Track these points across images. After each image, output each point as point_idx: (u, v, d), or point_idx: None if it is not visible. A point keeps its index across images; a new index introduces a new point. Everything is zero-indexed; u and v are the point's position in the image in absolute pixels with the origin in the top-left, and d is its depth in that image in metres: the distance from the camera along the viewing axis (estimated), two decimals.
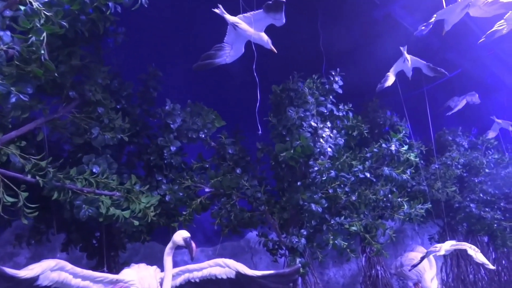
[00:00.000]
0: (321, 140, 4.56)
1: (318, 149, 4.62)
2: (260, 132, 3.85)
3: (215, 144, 5.11)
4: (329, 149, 4.82)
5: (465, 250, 5.44)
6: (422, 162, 8.14)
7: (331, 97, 5.23)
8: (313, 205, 4.76)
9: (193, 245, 3.92)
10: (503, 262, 10.22)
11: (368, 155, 5.37)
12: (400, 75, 7.10)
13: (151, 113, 5.11)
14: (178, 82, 6.12)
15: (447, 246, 5.50)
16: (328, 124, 4.80)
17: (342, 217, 5.16)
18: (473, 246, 5.42)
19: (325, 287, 8.59)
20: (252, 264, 7.04)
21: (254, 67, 3.73)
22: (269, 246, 5.49)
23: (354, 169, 5.23)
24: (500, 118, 9.18)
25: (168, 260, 4.04)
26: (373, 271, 7.15)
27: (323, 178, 4.66)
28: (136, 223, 3.93)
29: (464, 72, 9.32)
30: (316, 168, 4.63)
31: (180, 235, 3.92)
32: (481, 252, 9.63)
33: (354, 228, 5.24)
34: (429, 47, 7.95)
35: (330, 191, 5.31)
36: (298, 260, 5.00)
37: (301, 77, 5.34)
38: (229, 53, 3.86)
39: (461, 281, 8.27)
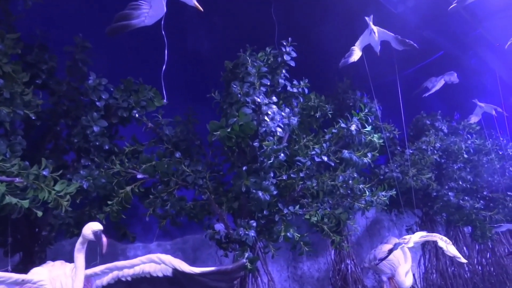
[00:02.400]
0: (266, 118, 3.97)
1: (264, 129, 4.03)
2: (165, 100, 3.25)
3: (152, 125, 4.50)
4: (279, 129, 4.23)
5: (436, 242, 4.91)
6: (398, 148, 7.61)
7: (283, 71, 4.63)
8: (260, 193, 4.19)
9: (104, 239, 3.35)
10: (487, 254, 9.76)
11: (326, 136, 4.80)
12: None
13: (81, 91, 4.50)
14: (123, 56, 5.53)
15: (416, 237, 4.97)
16: (274, 99, 4.20)
17: (297, 206, 4.59)
18: (444, 238, 4.89)
19: (299, 282, 8.07)
20: (216, 260, 6.51)
21: (162, 24, 3.12)
22: (220, 240, 4.92)
23: (311, 152, 4.65)
24: (483, 102, 8.66)
25: (79, 257, 3.46)
26: (343, 265, 6.63)
27: (270, 162, 4.07)
28: (40, 213, 3.34)
29: (447, 54, 8.81)
30: (261, 150, 4.05)
31: (90, 228, 3.34)
32: (464, 243, 9.20)
33: (314, 218, 4.69)
34: (407, 26, 7.40)
35: (284, 177, 4.76)
36: (246, 254, 4.43)
37: (255, 51, 4.75)
38: (147, 12, 3.25)
39: (440, 275, 7.77)
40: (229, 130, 3.81)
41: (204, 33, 5.98)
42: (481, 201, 8.24)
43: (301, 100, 4.84)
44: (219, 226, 4.84)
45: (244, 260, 4.09)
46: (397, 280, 6.82)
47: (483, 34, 8.76)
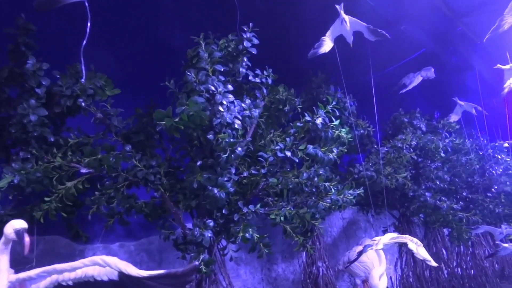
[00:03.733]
0: (221, 108, 3.64)
1: (219, 120, 3.70)
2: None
3: (101, 116, 4.14)
4: (237, 121, 3.90)
5: (407, 244, 4.63)
6: (375, 146, 7.34)
7: (245, 59, 4.30)
8: (215, 190, 3.85)
9: (27, 239, 2.98)
10: (467, 257, 9.57)
11: (291, 130, 4.48)
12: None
13: (25, 77, 4.11)
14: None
15: (386, 239, 4.68)
16: (230, 87, 3.86)
17: (258, 205, 4.27)
18: (415, 239, 4.62)
19: (273, 284, 7.74)
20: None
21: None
22: (177, 241, 4.57)
23: (275, 147, 4.33)
24: (464, 100, 8.45)
25: (2, 259, 3.08)
26: (314, 268, 6.32)
27: (225, 156, 3.74)
28: None
29: (428, 51, 8.58)
30: (217, 142, 3.72)
31: (12, 226, 2.97)
32: (442, 245, 8.98)
33: (280, 217, 4.36)
34: (387, 21, 7.15)
35: (245, 174, 4.43)
36: (201, 256, 4.10)
37: (217, 38, 4.41)
38: None
39: (417, 277, 7.52)
40: (177, 120, 3.46)
41: (167, 21, 5.63)
42: (460, 202, 8.02)
43: (265, 91, 4.51)
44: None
45: (197, 263, 3.75)
46: (370, 283, 6.54)
47: (464, 31, 8.57)
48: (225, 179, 4.05)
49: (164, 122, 3.44)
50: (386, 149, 6.50)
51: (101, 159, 3.84)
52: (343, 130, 4.48)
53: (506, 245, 7.15)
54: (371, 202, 5.41)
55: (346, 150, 4.61)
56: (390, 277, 7.91)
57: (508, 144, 10.11)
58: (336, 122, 4.46)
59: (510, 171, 9.16)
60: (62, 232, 5.21)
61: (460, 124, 8.33)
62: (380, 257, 6.38)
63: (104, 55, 4.96)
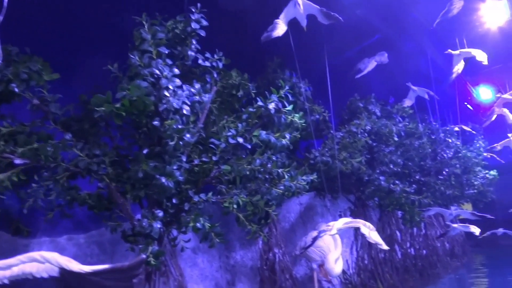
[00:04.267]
0: (166, 93, 3.44)
1: (165, 105, 3.50)
2: None
3: (38, 102, 3.82)
4: (185, 107, 3.72)
5: (359, 228, 4.66)
6: (331, 131, 7.35)
7: (194, 42, 4.10)
8: (163, 179, 3.67)
9: None
10: (420, 238, 9.90)
11: (244, 116, 4.35)
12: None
13: None
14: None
15: (340, 224, 4.70)
16: (176, 71, 3.66)
17: (210, 193, 4.13)
18: (368, 224, 4.66)
19: (231, 271, 7.66)
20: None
21: None
22: (125, 232, 4.37)
23: (227, 134, 4.19)
24: (417, 86, 8.62)
25: None
26: (271, 255, 6.30)
27: (173, 143, 3.56)
28: None
29: (383, 37, 8.66)
30: (164, 129, 3.53)
31: None
32: (396, 227, 9.22)
33: (234, 205, 4.24)
34: (342, 6, 7.11)
35: (195, 161, 4.27)
36: (150, 248, 3.92)
37: (165, 20, 4.17)
38: None
39: (371, 259, 7.68)
40: (117, 105, 3.24)
41: (115, 1, 5.30)
42: (413, 185, 8.23)
43: (216, 76, 4.34)
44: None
45: (144, 256, 3.57)
46: (326, 267, 6.61)
47: (417, 17, 8.70)
48: (175, 167, 3.88)
49: (103, 108, 3.21)
50: (342, 134, 6.51)
51: (38, 148, 3.56)
52: (296, 115, 4.40)
53: (455, 225, 7.42)
54: (326, 187, 5.40)
55: (299, 136, 4.55)
56: (346, 260, 8.04)
57: (458, 128, 10.50)
58: (289, 107, 4.37)
59: (460, 154, 9.52)
60: (3, 227, 4.89)
61: (413, 109, 8.51)
62: (336, 242, 6.44)
63: (42, 38, 4.61)
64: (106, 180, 3.94)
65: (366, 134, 6.55)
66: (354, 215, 7.83)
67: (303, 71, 6.72)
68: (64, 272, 3.29)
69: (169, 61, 3.85)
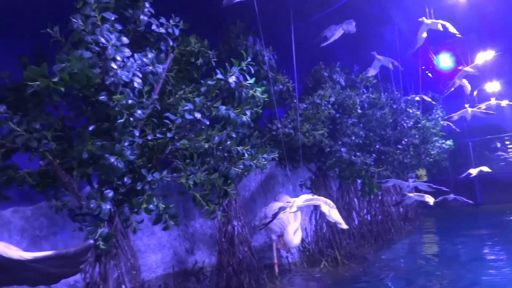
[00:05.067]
0: (113, 64, 3.06)
1: (112, 79, 3.13)
2: None
3: None
4: (137, 79, 3.36)
5: (320, 206, 4.59)
6: (295, 101, 7.14)
7: (147, 5, 3.66)
8: (111, 158, 3.35)
9: None
10: (376, 205, 10.14)
11: (202, 89, 4.04)
12: None
13: None
14: None
15: (300, 201, 4.60)
16: (125, 40, 3.26)
17: (165, 171, 3.86)
18: (328, 201, 4.59)
19: (190, 240, 7.53)
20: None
21: None
22: (74, 211, 4.05)
23: (182, 108, 3.87)
24: (382, 55, 8.48)
25: None
26: (229, 227, 6.19)
27: (121, 121, 3.23)
28: None
29: (350, 3, 8.35)
30: (112, 105, 3.18)
31: None
32: (355, 195, 9.37)
33: (189, 182, 4.00)
34: None
35: (149, 137, 3.95)
36: (99, 231, 3.66)
37: None
38: None
39: (329, 228, 7.77)
40: (56, 79, 2.84)
41: None
42: (373, 154, 8.28)
43: (171, 43, 3.95)
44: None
45: (91, 241, 3.30)
46: (285, 238, 6.62)
47: None
48: (126, 143, 3.56)
49: (37, 83, 2.80)
50: (305, 106, 6.31)
51: None
52: (258, 89, 4.13)
53: (411, 194, 7.59)
54: (287, 157, 5.26)
55: (261, 111, 4.29)
56: (305, 228, 8.11)
57: (419, 97, 10.59)
58: (251, 81, 4.08)
59: (420, 125, 9.64)
60: None
61: (377, 78, 8.41)
62: (296, 213, 6.42)
63: None
64: (48, 157, 3.57)
65: (329, 106, 6.39)
66: (315, 184, 7.82)
67: (268, 37, 6.40)
68: (3, 259, 2.99)
69: (118, 26, 3.43)
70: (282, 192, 8.02)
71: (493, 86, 14.50)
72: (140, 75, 3.39)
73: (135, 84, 3.38)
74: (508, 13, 11.08)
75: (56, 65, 2.84)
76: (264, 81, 5.70)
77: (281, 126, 6.03)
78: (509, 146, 17.43)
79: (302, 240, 7.67)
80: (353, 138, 6.99)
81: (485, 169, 10.96)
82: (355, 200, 9.19)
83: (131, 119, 3.34)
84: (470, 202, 7.74)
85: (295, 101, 6.87)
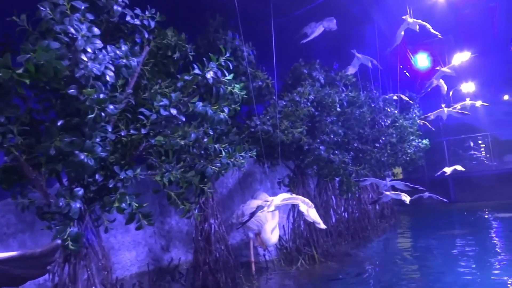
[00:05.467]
0: (84, 57, 2.90)
1: (82, 71, 2.97)
2: None
3: None
4: (109, 72, 3.20)
5: (298, 205, 4.53)
6: (274, 98, 7.06)
7: None
8: (81, 155, 3.20)
9: None
10: (353, 202, 10.19)
11: (178, 84, 3.90)
12: None
13: None
14: None
15: (278, 200, 4.53)
16: (96, 30, 3.10)
17: (138, 169, 3.72)
18: (306, 200, 4.54)
19: (166, 237, 7.38)
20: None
21: None
22: (42, 209, 3.87)
23: (158, 104, 3.74)
24: (361, 53, 8.49)
25: None
26: (206, 225, 6.08)
27: (91, 116, 3.08)
28: None
29: (331, 1, 8.33)
30: (82, 99, 3.02)
31: None
32: (333, 193, 9.39)
33: (160, 179, 3.87)
34: None
35: (122, 133, 3.80)
36: (69, 230, 3.50)
37: None
38: None
39: (307, 226, 7.75)
40: (20, 71, 2.67)
41: None
42: (351, 152, 8.29)
43: (146, 35, 3.80)
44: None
45: (59, 241, 3.14)
46: (263, 237, 6.56)
47: None
48: (98, 139, 3.41)
49: (0, 74, 2.62)
50: (284, 103, 6.24)
51: None
52: (237, 86, 4.02)
53: (388, 193, 7.65)
54: (265, 154, 5.18)
55: (239, 108, 4.19)
56: (283, 226, 8.07)
57: (397, 96, 10.69)
58: (230, 77, 3.97)
59: (397, 124, 9.72)
60: None
61: (356, 77, 8.42)
62: (273, 212, 6.36)
63: None
64: (14, 152, 3.39)
65: (308, 104, 6.33)
66: (293, 182, 7.78)
67: (248, 33, 6.29)
68: None
69: (90, 16, 3.27)
70: (260, 190, 7.95)
71: (468, 87, 14.80)
72: (113, 68, 3.23)
73: (107, 78, 3.22)
74: (485, 16, 11.30)
75: (21, 55, 2.67)
76: (243, 77, 5.60)
77: (259, 123, 5.95)
78: (481, 146, 17.87)
79: (280, 238, 7.64)
80: (332, 136, 6.96)
81: (459, 168, 11.16)
82: (333, 198, 9.21)
83: (103, 114, 3.19)
84: (445, 200, 7.85)
85: (274, 98, 6.79)
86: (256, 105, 7.22)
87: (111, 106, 3.21)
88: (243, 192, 8.02)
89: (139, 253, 6.76)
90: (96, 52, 3.08)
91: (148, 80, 4.39)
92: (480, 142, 17.85)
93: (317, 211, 8.34)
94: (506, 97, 17.40)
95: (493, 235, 9.57)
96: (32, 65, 2.64)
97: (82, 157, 3.22)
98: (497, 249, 7.95)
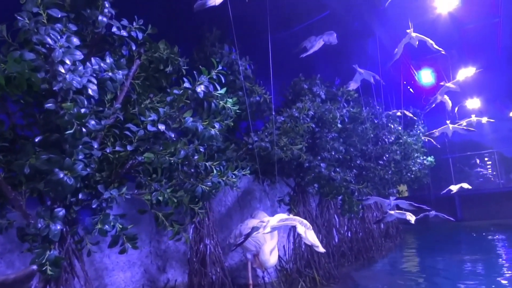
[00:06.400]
0: (62, 68, 2.72)
1: (60, 84, 2.78)
2: None
3: None
4: (92, 86, 3.01)
5: (296, 227, 4.27)
6: (274, 113, 6.86)
7: (106, 5, 3.33)
8: (60, 174, 2.98)
9: None
10: (357, 222, 9.87)
11: (168, 98, 3.70)
12: None
13: None
14: None
15: (275, 221, 4.27)
16: (76, 41, 2.91)
17: (124, 188, 3.50)
18: (304, 221, 4.28)
19: (163, 257, 7.10)
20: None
21: None
22: (22, 230, 3.64)
23: (146, 119, 3.53)
24: (363, 68, 8.30)
25: None
26: (201, 246, 5.81)
27: (70, 132, 2.87)
28: None
29: (331, 14, 8.22)
30: (62, 113, 2.82)
31: None
32: (335, 212, 9.09)
33: (148, 199, 3.64)
34: None
35: (107, 150, 3.59)
36: (48, 254, 3.26)
37: None
38: None
39: (308, 247, 7.44)
40: None
41: None
42: (354, 169, 8.03)
43: (134, 47, 3.61)
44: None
45: (34, 267, 2.92)
46: (261, 258, 6.26)
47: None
48: (81, 156, 3.20)
49: None
50: (283, 118, 6.02)
51: None
52: (230, 100, 3.81)
53: (392, 212, 7.36)
54: (265, 172, 4.93)
55: (232, 124, 3.97)
56: (283, 246, 7.78)
57: (401, 113, 10.46)
58: (222, 91, 3.77)
59: (401, 140, 9.47)
60: None
61: (358, 92, 8.21)
62: (272, 233, 6.08)
63: None
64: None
65: (308, 119, 6.11)
66: (293, 200, 7.51)
67: (245, 47, 6.12)
68: None
69: (72, 27, 3.10)
70: (259, 208, 7.68)
71: (473, 103, 14.57)
72: (95, 81, 3.04)
73: (90, 92, 3.02)
74: (489, 31, 11.14)
75: None
76: (240, 92, 5.41)
77: (257, 139, 5.72)
78: (488, 163, 17.53)
79: (280, 258, 7.33)
80: (333, 153, 6.71)
81: (466, 185, 10.85)
82: (335, 217, 8.91)
83: (84, 130, 2.98)
84: (452, 219, 7.55)
85: (273, 113, 6.59)
86: (256, 121, 7.02)
87: (93, 122, 3.01)
88: (242, 210, 7.76)
89: (134, 273, 6.49)
90: (77, 64, 2.89)
91: (138, 94, 4.20)
92: (486, 159, 17.51)
93: (319, 231, 8.10)
94: None
95: (502, 255, 9.21)
96: (2, 76, 2.44)
97: (61, 175, 3.01)
98: (504, 269, 7.61)
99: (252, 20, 5.92)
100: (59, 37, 2.74)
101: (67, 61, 2.75)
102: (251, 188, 7.82)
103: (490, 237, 12.25)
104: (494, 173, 17.07)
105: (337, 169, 6.74)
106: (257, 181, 7.61)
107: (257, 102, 5.88)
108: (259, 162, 6.32)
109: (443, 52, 6.44)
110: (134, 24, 3.61)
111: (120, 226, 3.38)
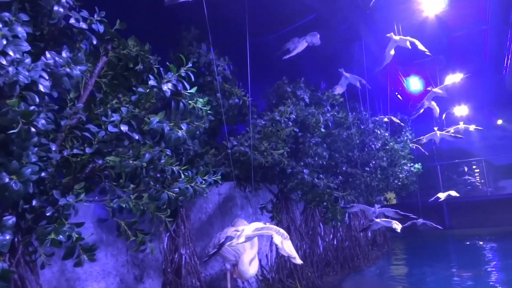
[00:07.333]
0: (4, 61, 2.43)
1: (2, 78, 2.49)
2: None
3: None
4: (44, 82, 2.72)
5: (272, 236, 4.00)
6: (255, 116, 6.61)
7: None
8: (6, 178, 2.69)
9: None
10: (343, 230, 9.63)
11: (132, 98, 3.43)
12: None
13: None
14: None
15: (249, 230, 4.00)
16: (20, 29, 2.63)
17: (82, 194, 3.20)
18: (281, 231, 4.02)
19: (140, 266, 6.75)
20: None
21: None
22: None
23: (107, 120, 3.25)
24: (349, 72, 8.10)
25: None
26: (176, 256, 5.50)
27: (14, 131, 2.58)
28: None
29: (317, 17, 8.02)
30: (4, 110, 2.53)
31: None
32: (320, 220, 8.84)
33: (110, 207, 3.36)
34: None
35: (65, 153, 3.30)
36: None
37: None
38: None
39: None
40: None
41: None
42: (339, 176, 7.80)
43: (94, 41, 3.34)
44: None
45: None
46: (240, 268, 5.97)
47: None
48: (33, 159, 2.91)
49: None
50: (264, 122, 5.77)
51: None
52: (200, 100, 3.55)
53: (378, 220, 7.14)
54: (246, 178, 4.65)
55: (204, 126, 3.70)
56: (266, 255, 7.49)
57: (388, 118, 10.28)
58: (192, 90, 3.51)
59: (388, 147, 9.27)
60: None
61: (344, 97, 8.01)
62: (252, 241, 5.81)
63: None
64: None
65: (290, 123, 5.86)
66: (276, 208, 7.25)
67: (229, 49, 5.88)
68: None
69: (23, 17, 2.82)
70: (241, 216, 7.39)
71: (461, 110, 14.49)
72: (46, 77, 2.75)
73: (41, 87, 2.74)
74: (477, 38, 11.06)
75: None
76: (218, 93, 5.15)
77: (236, 143, 5.46)
78: (475, 171, 17.46)
79: (262, 268, 7.05)
80: (316, 159, 6.47)
81: (453, 193, 10.70)
82: (320, 225, 8.65)
83: (33, 129, 2.69)
84: (439, 227, 7.35)
85: (255, 116, 6.33)
86: (238, 124, 6.76)
87: (43, 121, 2.72)
88: (223, 217, 7.46)
89: (109, 284, 6.15)
90: (24, 56, 2.61)
91: (105, 94, 3.92)
92: (474, 167, 17.45)
93: (303, 239, 7.83)
94: (499, 122, 17.11)
95: (489, 263, 9.05)
96: None
97: (7, 180, 2.71)
98: (492, 276, 7.44)
99: (236, 23, 5.70)
100: (1, 26, 2.46)
101: (10, 52, 2.47)
102: (232, 194, 7.54)
103: (477, 245, 12.12)
104: (482, 181, 17.00)
105: (321, 176, 6.49)
106: (239, 188, 7.34)
107: (237, 105, 5.62)
108: (240, 168, 6.04)
109: (428, 54, 6.26)
110: (95, 16, 3.33)
111: (76, 236, 3.08)
